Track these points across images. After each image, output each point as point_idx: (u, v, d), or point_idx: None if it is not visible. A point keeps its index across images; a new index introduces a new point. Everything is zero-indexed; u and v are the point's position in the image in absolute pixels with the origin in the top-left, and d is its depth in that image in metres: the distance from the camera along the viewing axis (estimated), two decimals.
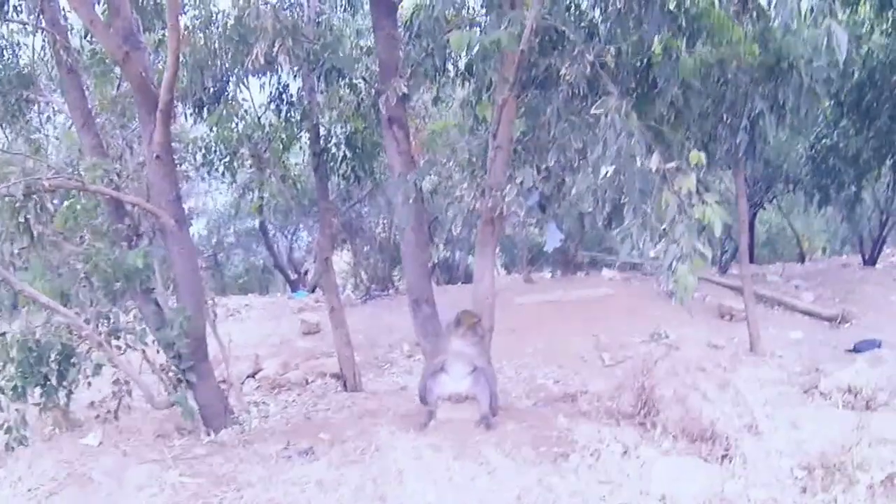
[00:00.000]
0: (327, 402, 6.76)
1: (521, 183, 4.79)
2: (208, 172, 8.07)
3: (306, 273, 17.35)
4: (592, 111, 4.00)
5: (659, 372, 5.36)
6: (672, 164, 3.69)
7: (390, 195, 5.87)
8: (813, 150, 11.29)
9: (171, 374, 4.72)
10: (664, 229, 3.66)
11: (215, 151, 7.49)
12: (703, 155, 3.61)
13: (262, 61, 5.62)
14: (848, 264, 13.87)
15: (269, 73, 6.88)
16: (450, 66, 6.06)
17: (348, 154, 7.66)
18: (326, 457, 4.12)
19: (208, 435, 4.68)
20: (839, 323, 9.80)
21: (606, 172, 4.07)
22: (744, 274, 8.90)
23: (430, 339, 5.53)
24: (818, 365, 7.22)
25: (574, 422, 4.70)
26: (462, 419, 4.86)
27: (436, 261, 15.07)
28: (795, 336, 9.40)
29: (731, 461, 3.97)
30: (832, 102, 9.76)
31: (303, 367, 8.36)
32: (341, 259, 16.02)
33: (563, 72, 4.46)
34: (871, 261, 13.69)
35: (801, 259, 16.61)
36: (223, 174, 7.79)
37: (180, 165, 6.89)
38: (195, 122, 7.17)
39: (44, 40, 6.19)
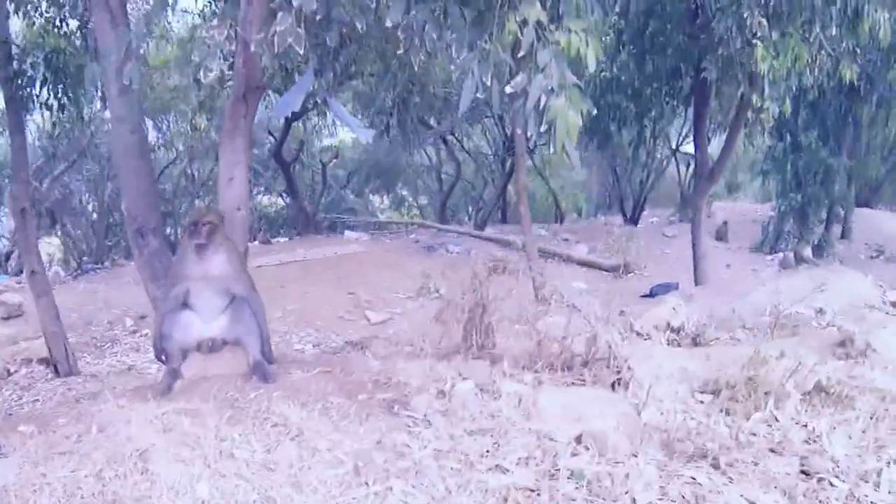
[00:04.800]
0: (35, 392, 5.78)
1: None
2: None
3: (8, 257, 14.33)
4: None
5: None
6: None
7: (104, 66, 4.15)
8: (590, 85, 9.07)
9: None
10: (523, 56, 2.73)
11: None
12: None
13: None
14: (609, 223, 14.23)
15: None
16: None
17: (49, 77, 6.38)
18: (22, 451, 2.64)
19: None
20: (622, 273, 9.65)
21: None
22: (525, 227, 8.42)
23: (159, 283, 4.00)
24: (617, 309, 6.91)
25: (389, 362, 3.55)
26: (223, 375, 3.33)
27: None
28: (579, 286, 9.17)
29: None
30: (613, 30, 8.50)
31: (2, 355, 6.96)
32: (50, 244, 13.73)
33: None
34: (632, 220, 14.01)
35: (559, 219, 16.37)
36: None
37: None
38: None
39: None
